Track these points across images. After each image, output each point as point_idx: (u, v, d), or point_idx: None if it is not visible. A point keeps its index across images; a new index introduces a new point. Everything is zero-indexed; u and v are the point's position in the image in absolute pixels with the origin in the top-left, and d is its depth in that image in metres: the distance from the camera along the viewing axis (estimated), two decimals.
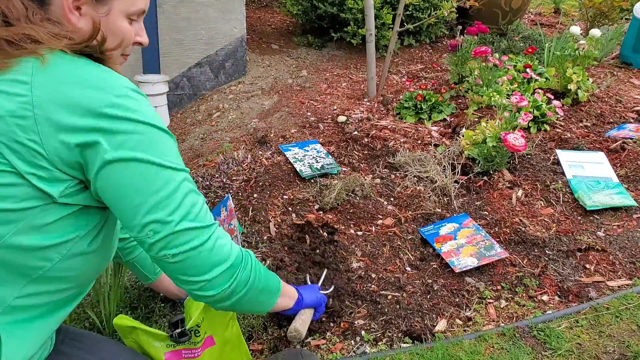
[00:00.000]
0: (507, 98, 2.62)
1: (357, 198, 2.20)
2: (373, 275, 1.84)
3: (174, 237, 0.85)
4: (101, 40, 0.85)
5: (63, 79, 0.79)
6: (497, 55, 3.09)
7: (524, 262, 1.88)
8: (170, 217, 0.85)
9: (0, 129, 0.76)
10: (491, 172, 2.32)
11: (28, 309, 0.86)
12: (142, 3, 0.94)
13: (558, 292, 1.75)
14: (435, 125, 2.81)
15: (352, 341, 1.60)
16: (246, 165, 2.42)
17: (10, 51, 0.79)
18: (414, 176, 2.32)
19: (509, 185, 2.25)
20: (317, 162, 2.43)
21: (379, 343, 1.59)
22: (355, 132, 2.70)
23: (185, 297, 1.57)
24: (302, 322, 1.36)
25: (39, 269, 0.83)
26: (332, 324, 1.66)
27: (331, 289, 1.65)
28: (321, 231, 2.03)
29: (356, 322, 1.66)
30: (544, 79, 3.04)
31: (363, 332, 1.62)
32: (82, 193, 0.84)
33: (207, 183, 2.28)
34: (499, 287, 1.79)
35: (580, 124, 2.71)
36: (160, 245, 0.86)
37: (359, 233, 2.03)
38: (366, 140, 2.62)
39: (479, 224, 2.04)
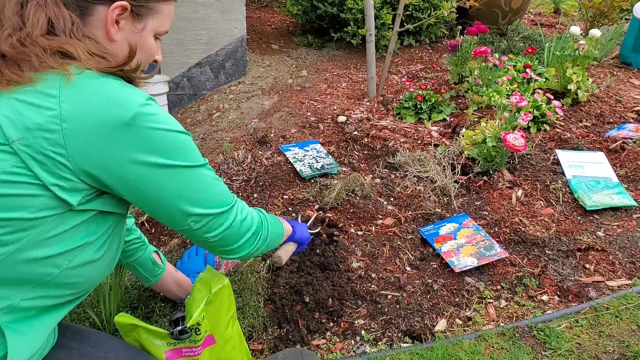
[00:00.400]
0: (507, 98, 2.62)
1: (357, 198, 2.20)
2: (373, 275, 1.84)
3: (213, 222, 0.98)
4: (135, 67, 0.91)
5: (89, 94, 0.81)
6: (497, 55, 3.09)
7: (524, 262, 1.88)
8: (206, 209, 0.96)
9: (27, 141, 0.77)
10: (491, 172, 2.33)
11: (32, 309, 0.87)
12: (168, 25, 1.02)
13: (558, 292, 1.75)
14: (435, 125, 2.81)
15: (352, 341, 1.60)
16: (246, 165, 2.42)
17: (38, 66, 0.81)
18: (414, 176, 2.32)
19: (508, 185, 2.26)
20: (317, 162, 2.43)
21: (379, 343, 1.59)
22: (355, 132, 2.70)
23: (184, 298, 1.57)
24: (285, 251, 1.46)
25: (47, 276, 0.85)
26: (332, 324, 1.67)
27: (317, 229, 1.83)
28: (321, 231, 2.03)
29: (356, 322, 1.66)
30: (544, 79, 3.04)
31: (363, 332, 1.62)
32: (98, 199, 0.87)
33: None
34: (498, 287, 1.79)
35: (580, 124, 2.71)
36: (203, 230, 0.98)
37: (359, 233, 2.04)
38: (366, 140, 2.62)
39: (478, 224, 2.04)
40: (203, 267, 1.66)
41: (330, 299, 1.70)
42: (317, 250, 1.93)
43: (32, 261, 0.82)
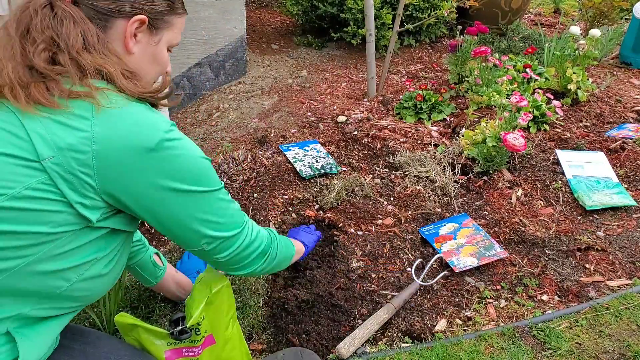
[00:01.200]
0: (507, 98, 2.62)
1: (357, 198, 2.20)
2: (373, 275, 1.84)
3: (224, 244, 1.03)
4: (164, 95, 0.96)
5: (120, 118, 0.83)
6: (497, 55, 3.09)
7: (524, 262, 1.88)
8: (219, 232, 1.00)
9: (57, 159, 0.79)
10: (491, 172, 2.33)
11: (39, 317, 0.89)
12: (180, 37, 1.06)
13: (558, 292, 1.75)
14: (435, 125, 2.81)
15: None
16: (246, 165, 2.42)
17: (69, 91, 0.82)
18: (414, 176, 2.32)
19: (508, 185, 2.26)
20: (317, 162, 2.43)
21: (379, 343, 1.59)
22: (355, 132, 2.70)
23: (185, 298, 1.57)
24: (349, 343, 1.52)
25: (57, 288, 0.87)
26: (332, 324, 1.66)
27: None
28: (321, 231, 2.03)
29: (356, 322, 1.66)
30: (544, 79, 3.04)
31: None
32: (113, 217, 0.89)
33: None
34: (498, 287, 1.79)
35: (580, 124, 2.71)
36: (214, 251, 1.03)
37: (359, 233, 2.04)
38: (366, 140, 2.62)
39: (478, 224, 2.04)
40: (203, 267, 1.66)
41: (329, 299, 1.70)
42: (317, 250, 1.93)
43: (45, 274, 0.84)
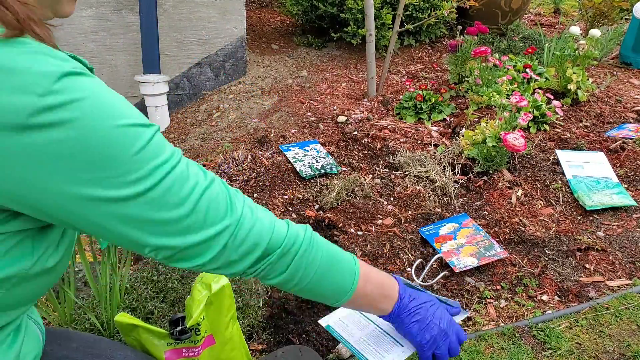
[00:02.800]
0: (507, 98, 2.62)
1: (357, 198, 2.20)
2: None
3: (185, 253, 0.71)
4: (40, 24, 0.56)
5: None
6: (497, 55, 3.09)
7: (524, 262, 1.88)
8: (167, 240, 0.69)
9: None
10: (491, 172, 2.33)
11: None
12: None
13: (558, 292, 1.75)
14: (435, 125, 2.81)
15: None
16: (246, 165, 2.42)
17: None
18: (414, 176, 2.32)
19: (508, 185, 2.26)
20: (317, 162, 2.43)
21: None
22: (355, 132, 2.70)
23: None
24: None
25: None
26: None
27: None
28: (321, 231, 2.03)
29: None
30: (544, 79, 3.04)
31: None
32: (15, 219, 0.60)
33: None
34: (498, 287, 1.79)
35: (580, 124, 2.71)
36: (173, 260, 0.72)
37: (359, 233, 2.04)
38: (366, 140, 2.62)
39: (478, 224, 2.04)
40: None
41: None
42: None
43: None
